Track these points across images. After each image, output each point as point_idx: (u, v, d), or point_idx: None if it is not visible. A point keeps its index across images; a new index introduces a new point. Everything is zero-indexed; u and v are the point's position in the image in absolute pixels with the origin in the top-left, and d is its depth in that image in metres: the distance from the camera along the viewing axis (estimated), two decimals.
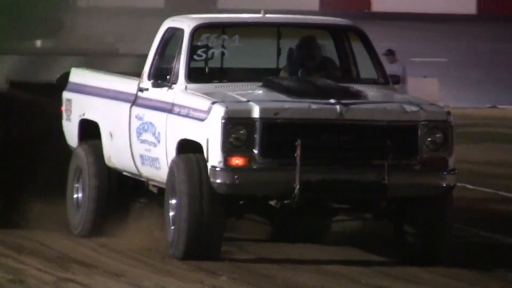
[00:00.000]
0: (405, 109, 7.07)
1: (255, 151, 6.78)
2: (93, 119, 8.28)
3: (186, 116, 7.17)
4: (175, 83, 7.39)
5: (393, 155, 6.88)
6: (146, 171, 7.72)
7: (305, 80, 7.49)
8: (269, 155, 6.81)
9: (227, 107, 6.80)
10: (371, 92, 7.43)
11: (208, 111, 6.92)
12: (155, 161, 7.51)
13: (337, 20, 8.36)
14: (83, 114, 8.38)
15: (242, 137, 6.77)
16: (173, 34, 7.75)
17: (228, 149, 6.76)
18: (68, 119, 8.56)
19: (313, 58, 7.75)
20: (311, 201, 6.92)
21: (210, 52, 7.68)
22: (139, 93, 7.77)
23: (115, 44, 12.99)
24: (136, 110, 7.76)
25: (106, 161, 8.10)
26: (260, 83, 7.38)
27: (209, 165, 6.83)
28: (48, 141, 8.72)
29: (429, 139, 7.01)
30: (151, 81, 7.54)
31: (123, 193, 8.24)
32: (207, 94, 7.17)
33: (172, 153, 7.24)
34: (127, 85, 8.01)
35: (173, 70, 7.46)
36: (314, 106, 6.90)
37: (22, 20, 11.86)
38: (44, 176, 8.59)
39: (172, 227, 7.10)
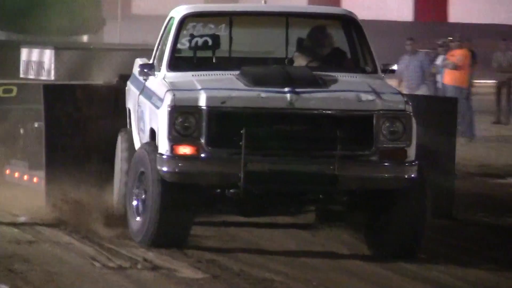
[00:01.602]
0: (360, 98, 6.79)
1: (202, 140, 6.67)
2: (129, 106, 8.30)
3: (154, 104, 7.16)
4: (159, 71, 7.39)
5: (346, 145, 6.64)
6: None
7: (277, 68, 7.35)
8: (216, 144, 6.69)
9: (174, 95, 6.72)
10: (344, 80, 7.16)
11: (162, 99, 6.87)
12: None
13: (333, 9, 8.29)
14: (128, 103, 8.40)
15: (189, 125, 6.67)
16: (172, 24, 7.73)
17: (175, 137, 6.68)
18: (125, 108, 8.50)
19: (321, 48, 7.63)
20: (257, 192, 6.75)
21: (196, 40, 7.61)
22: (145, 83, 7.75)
23: None
24: (139, 99, 7.76)
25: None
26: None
27: (158, 153, 6.77)
28: None
29: (386, 129, 6.72)
30: (138, 69, 7.57)
31: None
32: (173, 82, 7.10)
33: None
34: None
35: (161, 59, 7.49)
36: (263, 95, 6.73)
37: (68, 15, 12.20)
38: None
39: (138, 218, 7.08)
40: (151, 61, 7.75)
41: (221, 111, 6.68)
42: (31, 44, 10.06)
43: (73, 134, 8.57)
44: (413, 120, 6.79)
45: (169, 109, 6.66)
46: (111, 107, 8.69)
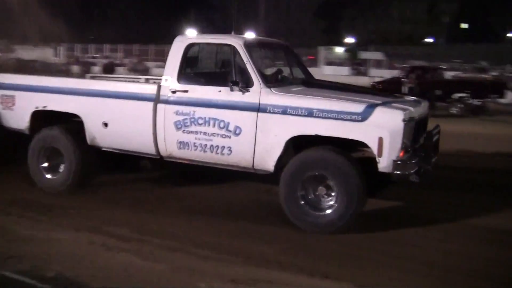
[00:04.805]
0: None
1: (409, 144, 8.22)
2: (72, 111, 10.07)
3: (305, 115, 8.29)
4: (250, 87, 8.56)
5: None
6: (190, 155, 9.11)
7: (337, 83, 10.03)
8: (413, 144, 8.40)
9: (404, 111, 8.16)
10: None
11: (364, 113, 8.10)
12: (221, 148, 8.73)
13: (278, 41, 10.71)
14: (45, 107, 10.31)
15: (409, 134, 8.22)
16: (206, 50, 9.54)
17: (403, 145, 8.06)
18: (11, 109, 10.68)
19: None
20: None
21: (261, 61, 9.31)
22: (171, 94, 8.98)
23: None
24: (173, 108, 9.03)
25: (89, 141, 10.04)
26: (300, 84, 9.35)
27: (384, 159, 8.01)
28: None
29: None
30: (229, 85, 8.64)
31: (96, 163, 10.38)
32: (321, 96, 8.51)
33: (273, 146, 8.54)
34: (145, 88, 9.47)
35: (233, 77, 8.66)
36: (420, 104, 8.99)
37: None
38: None
39: (328, 211, 8.35)
40: (174, 78, 9.13)
41: (416, 120, 8.55)
42: None
43: None
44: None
45: (404, 122, 8.04)
46: None
